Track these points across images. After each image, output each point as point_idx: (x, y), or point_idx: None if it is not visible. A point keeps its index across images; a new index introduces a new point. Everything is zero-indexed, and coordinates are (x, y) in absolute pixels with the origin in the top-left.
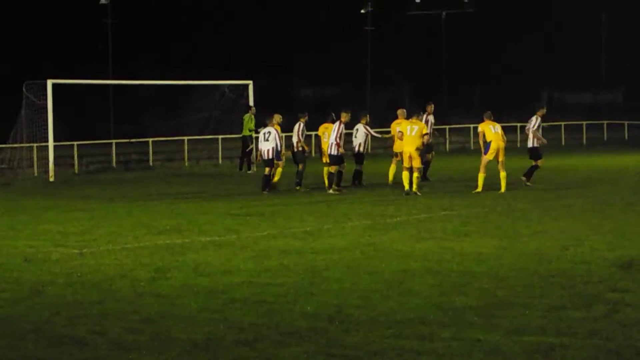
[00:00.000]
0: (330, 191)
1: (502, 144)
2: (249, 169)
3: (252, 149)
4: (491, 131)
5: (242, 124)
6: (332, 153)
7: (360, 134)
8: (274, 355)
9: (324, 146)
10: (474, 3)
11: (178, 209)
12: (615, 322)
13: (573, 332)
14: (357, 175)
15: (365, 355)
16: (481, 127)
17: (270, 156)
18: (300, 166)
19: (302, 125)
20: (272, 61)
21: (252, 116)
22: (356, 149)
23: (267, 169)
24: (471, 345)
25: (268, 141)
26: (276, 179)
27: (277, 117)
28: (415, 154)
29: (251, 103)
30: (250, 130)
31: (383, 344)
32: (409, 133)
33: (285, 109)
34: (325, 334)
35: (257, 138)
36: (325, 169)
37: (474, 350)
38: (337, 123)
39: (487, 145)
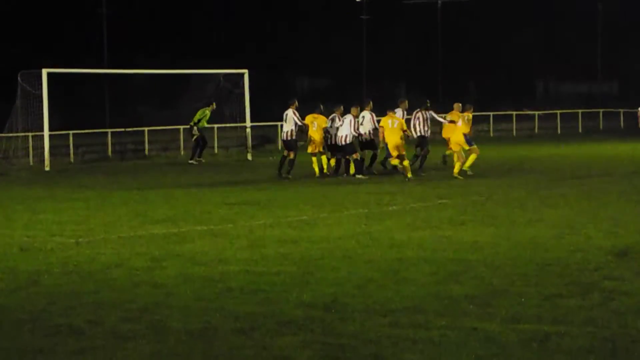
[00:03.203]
0: (360, 176)
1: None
2: (191, 159)
3: (197, 137)
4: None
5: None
6: (348, 142)
7: (367, 121)
8: (270, 344)
9: (314, 135)
10: None
11: (174, 198)
12: (610, 310)
13: (569, 320)
14: (373, 160)
15: (361, 343)
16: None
17: (347, 141)
18: (292, 154)
19: (294, 113)
20: (268, 51)
21: (206, 111)
22: (363, 137)
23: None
24: (467, 333)
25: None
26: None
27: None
28: (400, 143)
29: (246, 92)
30: (195, 123)
31: (379, 333)
32: (390, 126)
33: (281, 99)
34: (321, 323)
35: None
36: (314, 158)
37: (470, 338)
38: (352, 117)
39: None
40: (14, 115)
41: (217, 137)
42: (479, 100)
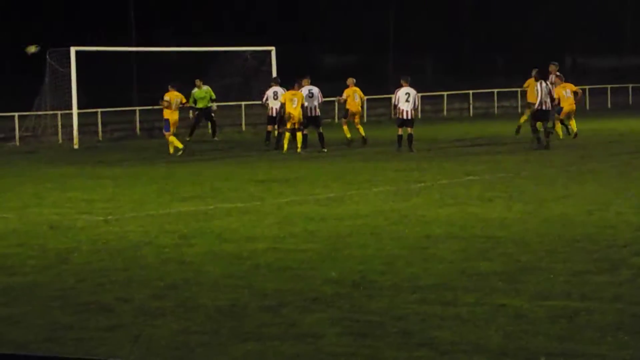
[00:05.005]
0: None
1: None
2: (214, 136)
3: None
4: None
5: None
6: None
7: (412, 98)
8: (298, 321)
9: (293, 112)
10: None
11: (202, 176)
12: (639, 287)
13: (597, 296)
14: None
15: (389, 320)
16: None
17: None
18: (282, 128)
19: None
20: (295, 28)
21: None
22: (409, 114)
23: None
24: (495, 310)
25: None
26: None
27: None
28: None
29: (274, 69)
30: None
31: (407, 310)
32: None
33: (310, 76)
34: (349, 300)
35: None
36: (288, 134)
37: (498, 315)
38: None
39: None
40: (42, 94)
41: (245, 115)
42: (506, 74)
